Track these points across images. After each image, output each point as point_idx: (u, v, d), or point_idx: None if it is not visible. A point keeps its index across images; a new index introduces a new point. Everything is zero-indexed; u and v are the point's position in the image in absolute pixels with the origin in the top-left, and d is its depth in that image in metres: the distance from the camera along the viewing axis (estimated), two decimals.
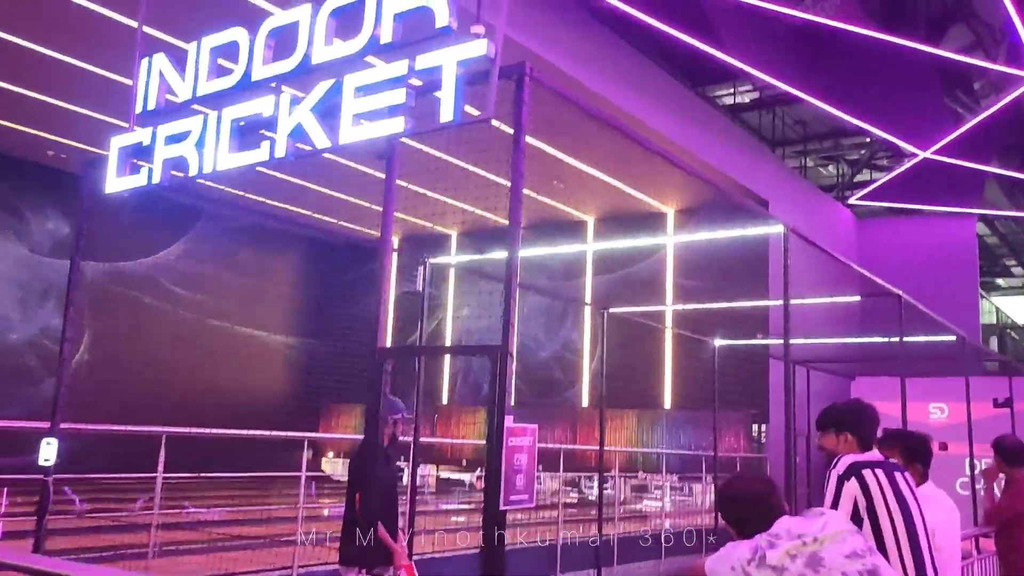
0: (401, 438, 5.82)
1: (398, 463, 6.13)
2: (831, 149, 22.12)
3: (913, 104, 17.79)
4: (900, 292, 9.12)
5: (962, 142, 18.10)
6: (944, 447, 16.14)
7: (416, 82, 3.97)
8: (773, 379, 16.89)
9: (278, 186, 17.31)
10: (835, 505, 3.41)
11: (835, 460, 3.55)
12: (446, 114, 3.81)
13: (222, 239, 19.86)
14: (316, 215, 19.31)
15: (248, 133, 4.57)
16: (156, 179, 4.77)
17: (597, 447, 11.58)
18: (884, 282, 9.06)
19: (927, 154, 18.21)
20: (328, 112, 4.24)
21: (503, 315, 3.74)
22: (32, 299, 17.52)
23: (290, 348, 21.39)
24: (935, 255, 21.36)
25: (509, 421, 3.57)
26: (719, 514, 2.90)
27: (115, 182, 4.94)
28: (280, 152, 4.32)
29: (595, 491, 15.73)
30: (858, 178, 22.50)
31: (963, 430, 12.06)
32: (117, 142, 4.96)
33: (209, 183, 18.35)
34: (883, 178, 19.99)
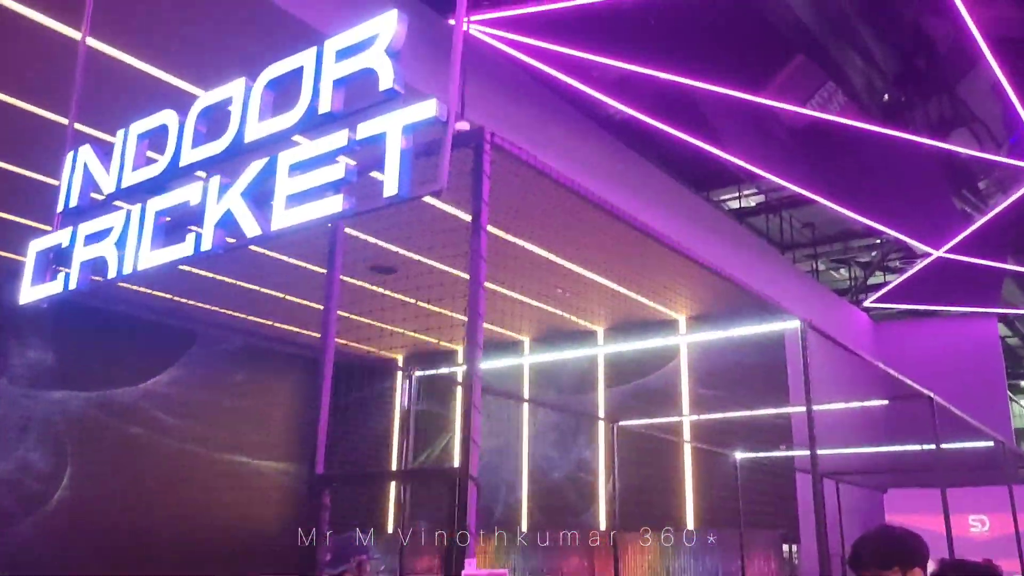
0: None
1: None
2: (842, 252, 21.56)
3: (922, 203, 17.38)
4: (931, 394, 8.30)
5: (975, 240, 17.57)
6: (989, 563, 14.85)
7: (351, 162, 3.37)
8: (801, 494, 15.75)
9: (277, 306, 16.80)
10: None
11: None
12: (390, 187, 3.19)
13: (216, 363, 19.19)
14: (315, 334, 18.71)
15: (176, 229, 3.97)
16: (73, 284, 4.14)
17: None
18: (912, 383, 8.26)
19: (941, 253, 17.64)
20: (262, 198, 3.63)
21: (461, 431, 3.01)
22: (10, 433, 16.74)
23: (286, 475, 20.39)
24: (958, 357, 20.40)
25: (471, 567, 2.78)
26: None
27: (30, 291, 4.32)
28: (206, 245, 3.69)
29: None
30: (871, 280, 21.85)
31: (1008, 543, 10.83)
32: (35, 246, 4.37)
33: (202, 304, 17.95)
34: (898, 279, 19.36)
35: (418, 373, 7.87)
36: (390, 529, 18.92)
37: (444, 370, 17.71)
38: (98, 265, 4.04)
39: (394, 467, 20.46)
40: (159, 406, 18.54)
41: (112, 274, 3.95)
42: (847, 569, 10.50)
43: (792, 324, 5.80)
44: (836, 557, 15.91)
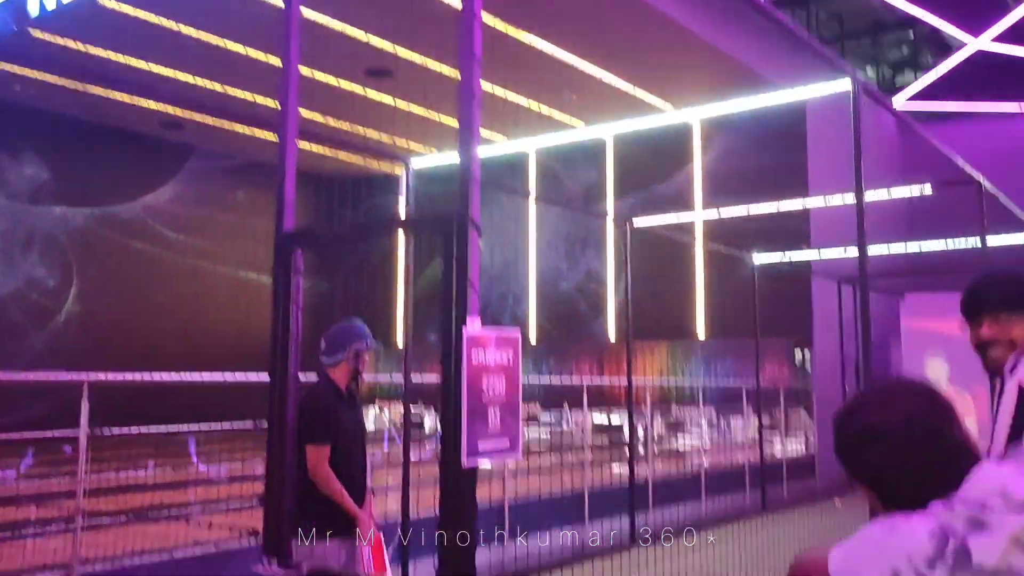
0: (366, 376, 4.48)
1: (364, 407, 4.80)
2: (870, 47, 20.21)
3: None
4: (981, 177, 7.59)
5: (1015, 30, 16.27)
6: None
7: None
8: (816, 300, 15.42)
9: (273, 116, 15.92)
10: None
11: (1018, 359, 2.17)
12: None
13: (215, 179, 18.57)
14: (317, 148, 17.92)
15: None
16: None
17: (625, 380, 10.30)
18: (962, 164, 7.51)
19: (979, 42, 16.39)
20: None
21: (461, 167, 2.36)
22: (14, 249, 16.37)
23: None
24: (994, 160, 19.52)
25: (473, 325, 2.21)
26: (846, 465, 1.52)
27: None
28: None
29: (625, 430, 14.54)
30: (899, 81, 20.62)
31: None
32: None
33: (197, 116, 17.05)
34: (932, 74, 18.14)
35: (417, 167, 7.19)
36: (399, 343, 18.89)
37: (444, 161, 16.81)
38: None
39: (400, 288, 20.24)
40: (161, 222, 18.09)
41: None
42: (860, 374, 10.02)
43: (840, 85, 5.00)
44: (851, 363, 15.79)
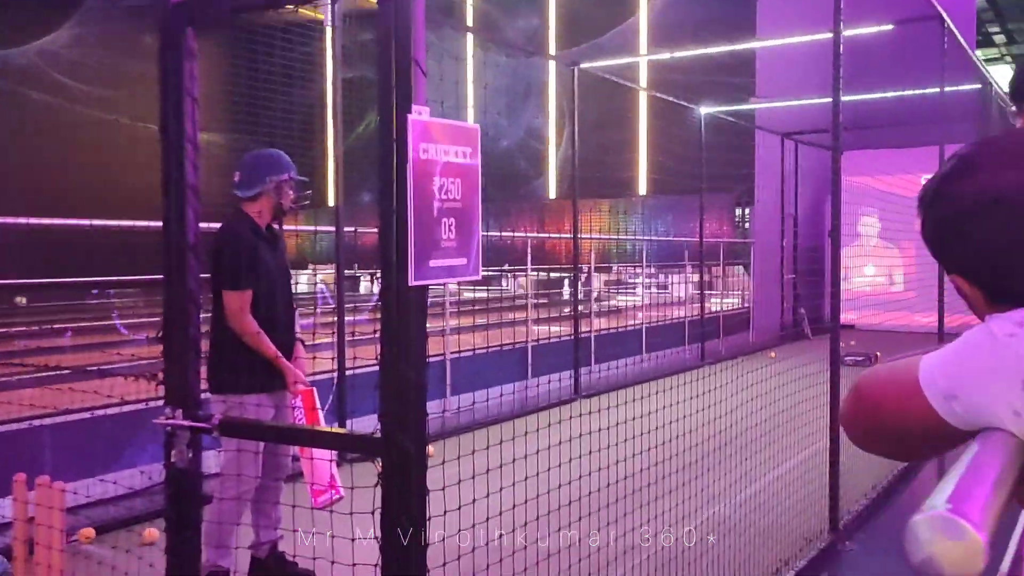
0: (292, 208, 3.95)
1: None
2: None
3: None
4: (944, 13, 7.15)
5: None
6: None
7: None
8: (760, 155, 15.14)
9: None
10: None
11: None
12: None
13: (117, 21, 17.03)
14: None
15: None
16: None
17: (570, 237, 9.95)
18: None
19: None
20: None
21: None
22: None
23: (215, 146, 19.08)
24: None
25: (419, 114, 1.71)
26: (941, 250, 1.09)
27: None
28: None
29: (566, 288, 14.36)
30: None
31: None
32: None
33: None
34: None
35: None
36: (330, 201, 18.17)
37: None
38: None
39: (330, 141, 19.26)
40: (60, 70, 16.64)
41: None
42: (798, 226, 9.74)
43: None
44: (789, 217, 15.72)
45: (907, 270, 16.21)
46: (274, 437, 2.72)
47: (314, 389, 3.86)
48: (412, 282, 1.69)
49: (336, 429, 1.93)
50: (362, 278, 16.27)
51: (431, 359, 7.87)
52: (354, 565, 2.20)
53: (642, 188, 17.20)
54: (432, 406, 7.58)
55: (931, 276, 12.67)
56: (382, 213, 1.75)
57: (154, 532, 4.45)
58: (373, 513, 1.77)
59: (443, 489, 2.31)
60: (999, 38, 27.39)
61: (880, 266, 16.19)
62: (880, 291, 15.92)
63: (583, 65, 9.13)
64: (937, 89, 7.83)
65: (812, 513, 4.66)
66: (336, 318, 6.30)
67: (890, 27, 8.57)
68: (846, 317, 15.54)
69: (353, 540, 2.18)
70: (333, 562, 2.26)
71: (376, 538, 1.80)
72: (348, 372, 6.27)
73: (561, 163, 15.91)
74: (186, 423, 2.00)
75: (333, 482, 3.72)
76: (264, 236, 3.82)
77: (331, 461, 3.73)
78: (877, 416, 1.04)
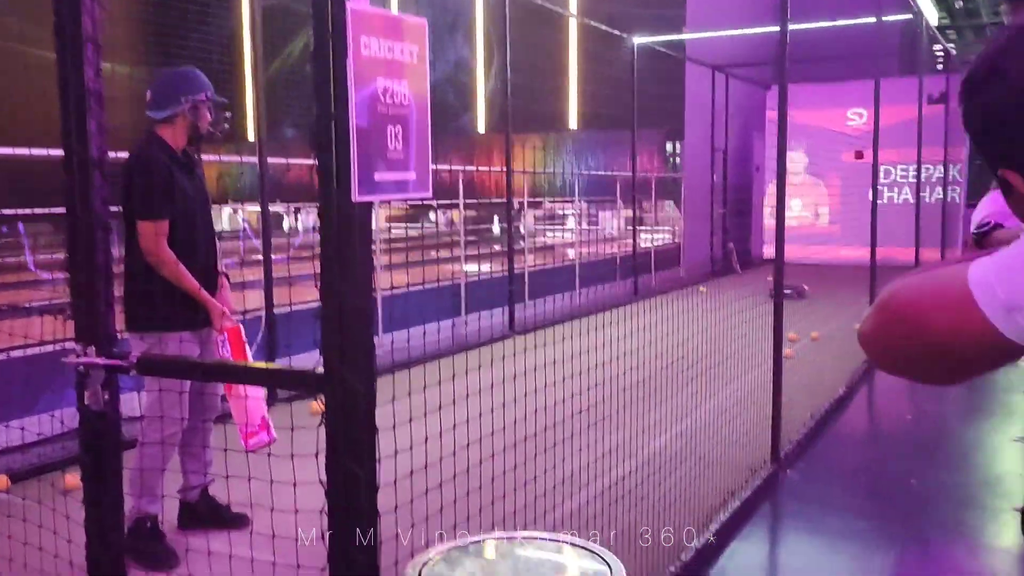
0: (209, 131, 3.65)
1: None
2: None
3: None
4: None
5: None
6: (860, 155, 14.98)
7: None
8: (690, 88, 15.06)
9: None
10: None
11: None
12: None
13: None
14: None
15: None
16: None
17: (502, 171, 9.73)
18: None
19: None
20: None
21: None
22: None
23: (122, 78, 18.09)
24: None
25: (353, 3, 1.49)
26: (991, 139, 0.93)
27: None
28: None
29: (496, 225, 14.17)
30: None
31: (883, 136, 10.05)
32: None
33: None
34: None
35: None
36: (251, 135, 17.50)
37: None
38: None
39: (248, 73, 18.40)
40: None
41: None
42: (727, 160, 9.74)
43: None
44: (719, 151, 15.76)
45: (832, 204, 16.50)
46: (201, 375, 2.50)
47: (241, 326, 3.63)
48: (356, 198, 1.50)
49: (272, 365, 1.74)
50: (285, 215, 15.70)
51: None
52: (296, 512, 2.04)
53: (573, 123, 17.00)
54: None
55: (857, 211, 12.87)
56: (318, 118, 1.54)
57: (75, 478, 4.20)
58: (318, 456, 1.60)
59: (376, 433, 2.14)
60: None
61: (806, 201, 16.43)
62: (806, 225, 16.18)
63: None
64: (873, 19, 7.79)
65: (754, 444, 4.67)
66: (262, 253, 6.01)
67: None
68: (771, 251, 15.84)
69: (295, 485, 2.01)
70: (272, 509, 2.10)
71: (321, 482, 1.63)
72: (276, 311, 6.02)
73: (490, 96, 15.56)
74: (100, 361, 1.78)
75: (265, 424, 3.53)
76: (180, 161, 3.53)
77: (263, 402, 3.54)
78: (916, 335, 0.90)
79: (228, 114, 3.68)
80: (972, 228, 1.91)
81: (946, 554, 3.78)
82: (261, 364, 1.73)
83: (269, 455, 2.31)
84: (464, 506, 2.62)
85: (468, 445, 2.79)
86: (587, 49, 15.63)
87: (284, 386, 1.70)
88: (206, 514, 3.71)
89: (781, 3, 4.82)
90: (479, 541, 1.71)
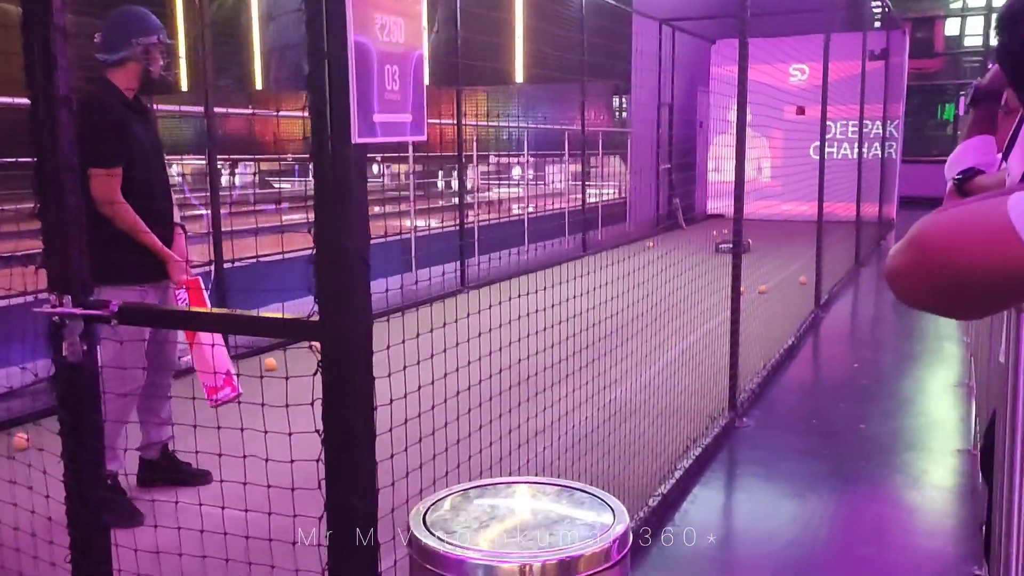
0: (162, 76, 3.51)
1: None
2: None
3: None
4: None
5: None
6: (801, 111, 15.18)
7: None
8: (636, 41, 15.00)
9: None
10: None
11: None
12: None
13: None
14: None
15: None
16: None
17: (453, 123, 9.63)
18: None
19: None
20: None
21: None
22: None
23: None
24: None
25: None
26: (1016, 70, 0.94)
27: None
28: None
29: (442, 180, 14.03)
30: None
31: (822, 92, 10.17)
32: None
33: None
34: None
35: None
36: (183, 85, 16.95)
37: None
38: None
39: (180, 18, 17.74)
40: None
41: None
42: (673, 116, 9.79)
43: None
44: (665, 106, 15.81)
45: (775, 161, 16.73)
46: (188, 324, 2.43)
47: (200, 278, 3.54)
48: (356, 139, 1.45)
49: (266, 313, 1.69)
50: (223, 170, 15.23)
51: (306, 251, 7.50)
52: (267, 460, 2.00)
53: (519, 76, 16.85)
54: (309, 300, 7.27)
55: (799, 167, 13.08)
56: (311, 56, 1.48)
57: (22, 438, 4.08)
58: (288, 407, 1.56)
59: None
60: None
61: (750, 157, 16.61)
62: (750, 181, 16.38)
63: None
64: None
65: (712, 394, 4.76)
66: (210, 206, 5.85)
67: None
68: (715, 206, 15.99)
69: (267, 433, 1.98)
70: (245, 457, 2.05)
71: (318, 431, 1.60)
72: (226, 265, 5.90)
73: (433, 48, 15.25)
74: (78, 311, 1.72)
75: (229, 379, 3.47)
76: (133, 107, 3.39)
77: (227, 354, 3.47)
78: (953, 268, 0.91)
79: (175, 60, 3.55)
80: (953, 174, 1.94)
81: (890, 492, 3.92)
82: (251, 312, 1.69)
83: (240, 403, 2.26)
84: (439, 465, 2.59)
85: (434, 407, 2.73)
86: (533, 1, 15.45)
87: (277, 334, 1.66)
88: (167, 471, 3.64)
89: None
90: (481, 486, 1.70)
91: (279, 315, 1.65)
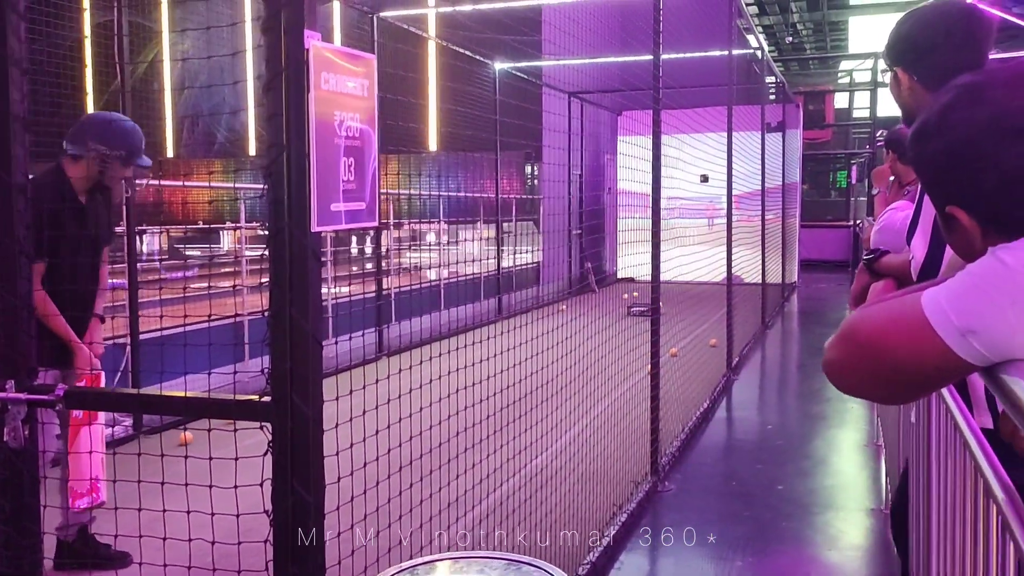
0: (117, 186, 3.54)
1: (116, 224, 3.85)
2: None
3: None
4: None
5: None
6: (705, 179, 15.82)
7: None
8: (546, 114, 15.48)
9: None
10: None
11: None
12: None
13: None
14: None
15: None
16: None
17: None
18: None
19: None
20: None
21: None
22: None
23: None
24: None
25: (313, 40, 1.52)
26: (942, 181, 1.07)
27: None
28: None
29: (356, 246, 14.04)
30: None
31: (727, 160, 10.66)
32: None
33: None
34: None
35: None
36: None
37: None
38: None
39: (89, 86, 17.43)
40: None
41: None
42: (585, 184, 10.12)
43: None
44: (576, 174, 16.27)
45: (685, 230, 17.27)
46: (137, 407, 2.40)
47: (103, 373, 3.52)
48: (315, 228, 1.52)
49: (217, 395, 1.72)
50: (136, 237, 14.88)
51: (225, 320, 7.39)
52: (190, 540, 1.98)
53: (432, 144, 17.11)
54: (227, 369, 7.12)
55: (704, 233, 13.58)
56: (270, 149, 1.55)
57: None
58: (236, 488, 1.59)
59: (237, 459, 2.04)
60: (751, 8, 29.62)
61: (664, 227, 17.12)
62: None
63: (383, 14, 8.84)
64: (725, 52, 8.33)
65: (632, 457, 4.87)
66: (127, 279, 5.74)
67: None
68: (625, 271, 16.42)
69: (189, 512, 1.97)
70: (165, 539, 2.03)
71: (266, 512, 1.62)
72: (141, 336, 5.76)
73: None
74: (22, 396, 1.70)
75: (96, 485, 3.39)
76: (74, 203, 3.40)
77: (101, 463, 3.40)
78: (882, 361, 1.03)
79: (147, 175, 3.59)
80: (863, 255, 2.13)
81: (811, 553, 4.08)
82: (203, 394, 1.71)
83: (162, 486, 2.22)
84: (343, 543, 2.54)
85: (352, 473, 2.69)
86: (448, 74, 15.79)
87: (229, 416, 1.68)
88: (81, 555, 3.51)
89: (654, 36, 5.10)
90: (427, 563, 1.74)
91: (230, 396, 1.68)
